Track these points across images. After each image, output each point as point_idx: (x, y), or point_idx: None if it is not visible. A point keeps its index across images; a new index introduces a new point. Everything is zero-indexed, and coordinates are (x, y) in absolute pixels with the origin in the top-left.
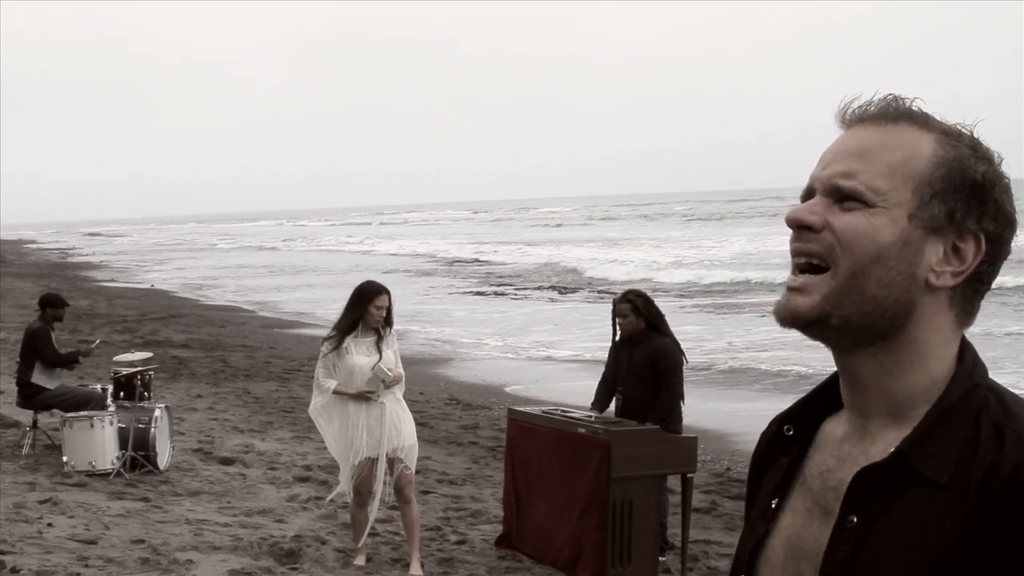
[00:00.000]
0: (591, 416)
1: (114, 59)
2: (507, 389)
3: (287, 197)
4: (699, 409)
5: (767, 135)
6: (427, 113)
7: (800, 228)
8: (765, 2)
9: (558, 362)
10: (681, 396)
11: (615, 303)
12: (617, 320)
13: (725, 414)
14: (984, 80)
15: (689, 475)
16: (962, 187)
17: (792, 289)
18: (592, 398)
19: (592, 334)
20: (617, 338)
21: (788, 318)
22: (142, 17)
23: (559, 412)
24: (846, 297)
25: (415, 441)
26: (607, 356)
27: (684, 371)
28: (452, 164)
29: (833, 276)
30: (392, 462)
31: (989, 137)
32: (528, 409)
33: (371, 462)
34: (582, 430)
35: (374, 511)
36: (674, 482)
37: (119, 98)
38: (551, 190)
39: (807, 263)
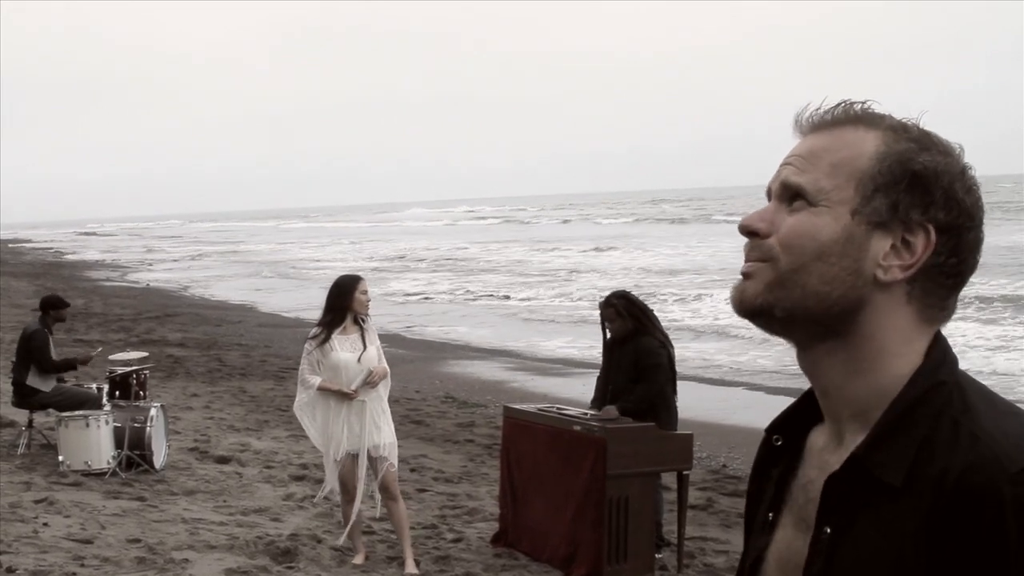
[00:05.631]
0: (587, 413)
1: (97, 56)
2: (503, 386)
3: (284, 195)
4: (695, 406)
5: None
6: (422, 110)
7: (749, 234)
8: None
9: (553, 360)
10: (666, 394)
11: (600, 307)
12: (606, 323)
13: (721, 410)
14: (980, 73)
15: (685, 472)
16: (902, 178)
17: (743, 275)
18: (591, 396)
19: (587, 332)
20: (608, 338)
21: (736, 302)
22: (128, 13)
23: (555, 410)
24: (788, 290)
25: (395, 439)
26: (602, 354)
27: (675, 367)
28: (445, 161)
29: (774, 268)
30: (375, 460)
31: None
32: (524, 406)
33: (353, 458)
34: (578, 427)
35: (356, 507)
36: (669, 479)
37: (105, 96)
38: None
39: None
